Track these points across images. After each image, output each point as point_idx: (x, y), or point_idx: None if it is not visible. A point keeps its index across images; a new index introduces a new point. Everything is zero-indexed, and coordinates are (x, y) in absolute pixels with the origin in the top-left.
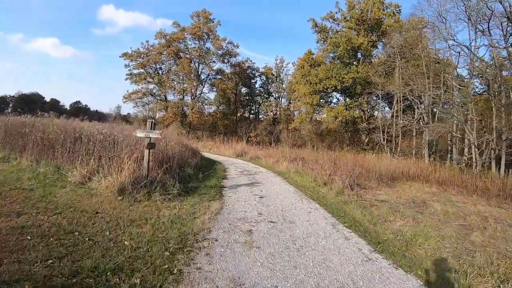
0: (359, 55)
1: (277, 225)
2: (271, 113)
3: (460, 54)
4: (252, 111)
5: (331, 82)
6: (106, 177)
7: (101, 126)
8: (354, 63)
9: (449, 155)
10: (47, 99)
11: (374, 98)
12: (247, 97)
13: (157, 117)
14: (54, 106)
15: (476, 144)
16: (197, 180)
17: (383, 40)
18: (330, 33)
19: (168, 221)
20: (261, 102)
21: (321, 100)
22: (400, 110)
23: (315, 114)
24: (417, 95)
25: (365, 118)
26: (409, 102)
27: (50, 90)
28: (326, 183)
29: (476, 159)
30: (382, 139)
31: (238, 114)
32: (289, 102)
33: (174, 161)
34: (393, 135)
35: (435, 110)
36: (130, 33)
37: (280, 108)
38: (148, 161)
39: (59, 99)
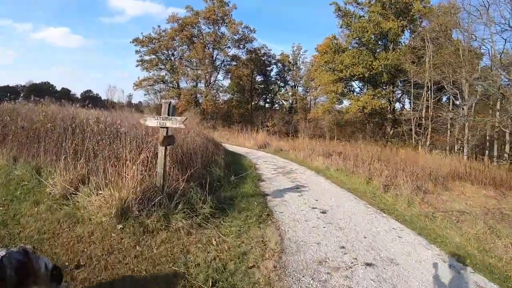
0: (386, 41)
1: (379, 270)
2: (288, 102)
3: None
4: (268, 100)
5: (358, 69)
6: (100, 190)
7: (104, 113)
8: (379, 50)
9: (487, 152)
10: (58, 88)
11: (402, 87)
12: (262, 85)
13: None
14: (65, 95)
15: None
16: (229, 184)
17: (411, 26)
18: (354, 18)
19: (204, 282)
20: (277, 90)
21: (344, 89)
22: (430, 100)
23: (336, 104)
24: (454, 85)
25: (391, 108)
26: (442, 92)
27: (61, 79)
28: (387, 187)
29: None
30: (413, 132)
31: (253, 103)
32: (306, 91)
33: (198, 160)
34: (423, 128)
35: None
36: (139, 23)
37: (297, 97)
38: (164, 165)
39: (70, 88)
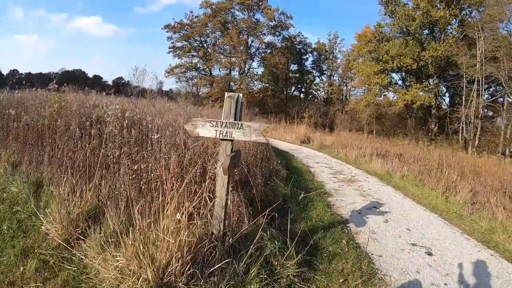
0: (435, 30)
1: None
2: (324, 93)
3: None
4: (303, 90)
5: (406, 60)
6: (120, 245)
7: (132, 103)
8: (427, 40)
9: None
10: (90, 75)
11: (450, 80)
12: (297, 74)
13: (200, 93)
14: (97, 82)
15: None
16: (298, 205)
17: (461, 15)
18: (398, 6)
19: None
20: (312, 80)
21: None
22: (481, 97)
23: (377, 97)
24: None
25: (436, 104)
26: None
27: (93, 67)
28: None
29: None
30: (464, 132)
31: (288, 92)
32: (342, 81)
33: (258, 176)
34: (473, 127)
35: None
36: (173, 10)
37: (333, 87)
38: (226, 202)
39: (102, 75)
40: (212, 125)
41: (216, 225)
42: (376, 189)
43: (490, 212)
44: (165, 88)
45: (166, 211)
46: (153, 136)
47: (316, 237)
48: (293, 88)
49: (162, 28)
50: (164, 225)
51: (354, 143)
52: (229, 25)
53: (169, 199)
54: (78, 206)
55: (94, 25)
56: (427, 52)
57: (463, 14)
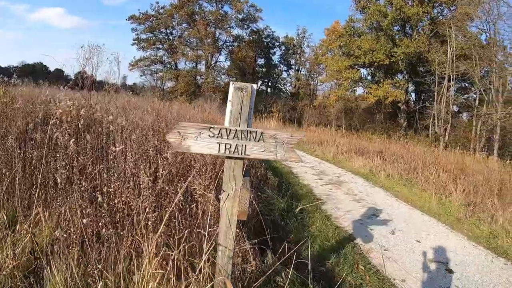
0: (406, 27)
1: None
2: (291, 87)
3: None
4: (270, 84)
5: (378, 56)
6: None
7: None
8: (398, 36)
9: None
10: (51, 69)
11: (421, 77)
12: (264, 69)
13: (166, 87)
14: (59, 76)
15: None
16: (296, 221)
17: (433, 12)
18: (369, 2)
19: None
20: (279, 74)
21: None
22: (451, 93)
23: (347, 92)
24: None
25: (405, 100)
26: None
27: (55, 60)
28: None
29: None
30: (435, 127)
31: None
32: (310, 76)
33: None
34: (442, 122)
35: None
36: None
37: (301, 82)
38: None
39: (64, 69)
40: (212, 134)
41: (219, 281)
42: (367, 192)
43: (488, 214)
44: (129, 82)
45: (142, 269)
46: (113, 148)
47: (329, 264)
48: (260, 82)
49: (126, 19)
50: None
51: (329, 139)
52: (197, 16)
53: (146, 245)
54: (10, 258)
55: (57, 17)
56: (399, 48)
57: (435, 12)
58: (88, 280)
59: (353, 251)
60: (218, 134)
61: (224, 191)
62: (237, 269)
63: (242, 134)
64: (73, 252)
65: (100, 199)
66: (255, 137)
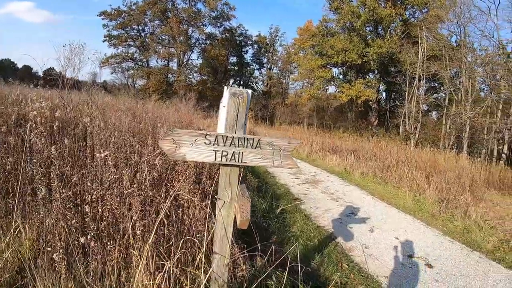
0: (378, 28)
1: None
2: (263, 86)
3: None
4: (242, 82)
5: (351, 55)
6: None
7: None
8: (370, 37)
9: (484, 151)
10: (19, 65)
11: (392, 77)
12: (236, 67)
13: (137, 85)
14: (27, 73)
15: None
16: (277, 221)
17: (405, 14)
18: (343, 3)
19: None
20: (252, 73)
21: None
22: (422, 93)
23: (320, 90)
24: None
25: (376, 99)
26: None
27: (24, 56)
28: (443, 205)
29: None
30: (407, 126)
31: (227, 85)
32: (282, 74)
33: None
34: (413, 121)
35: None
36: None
37: (273, 80)
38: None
39: (33, 65)
40: (208, 141)
41: None
42: (343, 190)
43: (461, 210)
44: (99, 79)
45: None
46: (98, 154)
47: (314, 263)
48: (232, 81)
49: (97, 15)
50: None
51: (303, 138)
52: (169, 14)
53: (137, 256)
54: None
55: (25, 11)
56: (372, 48)
57: (408, 14)
58: None
59: (336, 250)
60: (215, 141)
61: (219, 198)
62: (228, 275)
63: (239, 142)
64: (59, 267)
65: (87, 208)
66: (252, 144)
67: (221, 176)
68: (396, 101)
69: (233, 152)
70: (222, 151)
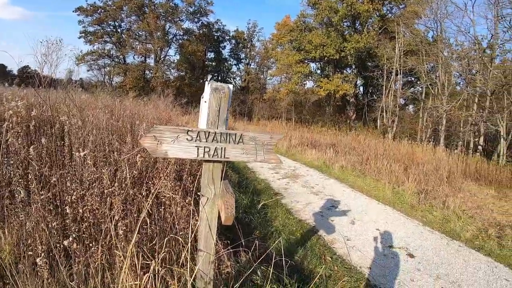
0: (356, 23)
1: None
2: (241, 81)
3: None
4: (220, 78)
5: (329, 50)
6: None
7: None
8: (347, 32)
9: (461, 143)
10: None
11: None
12: (214, 63)
13: (114, 82)
14: (1, 72)
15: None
16: (259, 217)
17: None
18: None
19: None
20: (229, 68)
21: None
22: (399, 87)
23: (298, 85)
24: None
25: (354, 93)
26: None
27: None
28: (421, 196)
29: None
30: (385, 120)
31: (204, 80)
32: (260, 70)
33: None
34: (390, 115)
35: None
36: None
37: (251, 76)
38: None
39: (7, 64)
40: (190, 137)
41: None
42: (323, 184)
43: (440, 201)
44: (76, 77)
45: (121, 282)
46: (77, 153)
47: (298, 257)
48: (209, 77)
49: (73, 11)
50: None
51: (282, 132)
52: (146, 9)
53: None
54: None
55: None
56: (349, 43)
57: (385, 10)
58: None
59: (318, 243)
60: (197, 137)
61: (203, 195)
62: (213, 272)
63: (222, 137)
64: (42, 271)
65: (67, 209)
66: (235, 140)
67: (204, 173)
68: (374, 95)
69: (216, 147)
70: (205, 147)
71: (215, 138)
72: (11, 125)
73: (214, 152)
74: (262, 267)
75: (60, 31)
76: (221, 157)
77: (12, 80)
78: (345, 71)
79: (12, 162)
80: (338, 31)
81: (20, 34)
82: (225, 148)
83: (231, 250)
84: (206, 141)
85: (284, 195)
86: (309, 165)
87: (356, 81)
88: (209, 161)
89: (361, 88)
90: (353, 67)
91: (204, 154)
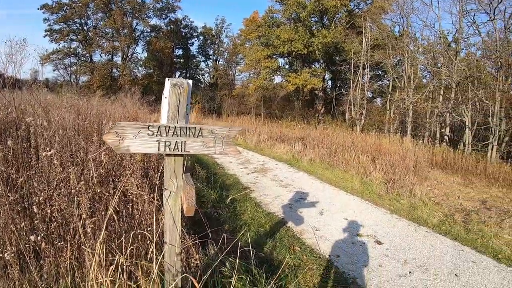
0: (324, 18)
1: None
2: (209, 78)
3: None
4: (188, 75)
5: (297, 45)
6: None
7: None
8: (315, 27)
9: (427, 133)
10: None
11: (337, 66)
12: (182, 59)
13: (80, 81)
14: None
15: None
16: (228, 211)
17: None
18: None
19: None
20: (198, 65)
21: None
22: (366, 81)
23: (266, 81)
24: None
25: (323, 87)
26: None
27: None
28: (389, 186)
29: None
30: (353, 112)
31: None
32: (228, 66)
33: None
34: (358, 108)
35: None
36: None
37: (220, 72)
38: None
39: None
40: (151, 132)
41: (170, 281)
42: (292, 177)
43: (407, 189)
44: (41, 77)
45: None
46: (43, 153)
47: (267, 248)
48: (177, 74)
49: (38, 9)
50: None
51: (250, 128)
52: (113, 6)
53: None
54: None
55: None
56: (317, 38)
57: (352, 5)
58: None
59: (287, 234)
60: (157, 132)
61: (165, 189)
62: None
63: (182, 131)
64: (13, 272)
65: (35, 209)
66: (194, 133)
67: (166, 166)
68: (342, 89)
69: (176, 141)
70: (165, 141)
71: (175, 132)
72: None
73: (174, 146)
74: (230, 259)
75: (21, 30)
76: (181, 150)
77: None
78: (313, 66)
79: None
80: (306, 27)
81: None
82: (185, 142)
83: (199, 243)
84: (167, 135)
85: (253, 189)
86: (278, 159)
87: (324, 75)
88: (170, 155)
89: (329, 82)
90: (321, 61)
91: (165, 148)
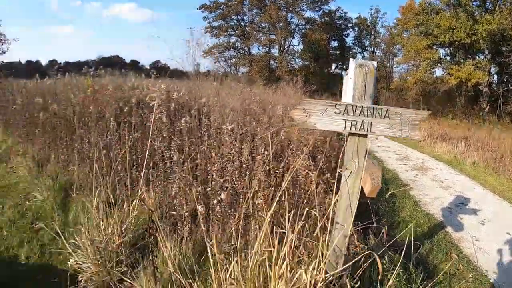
0: (486, 2)
1: None
2: None
3: None
4: (344, 67)
5: (459, 34)
6: None
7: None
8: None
9: None
10: (127, 60)
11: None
12: (338, 51)
13: (240, 73)
14: (134, 67)
15: None
16: (387, 206)
17: None
18: None
19: None
20: (354, 57)
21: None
22: None
23: (426, 73)
24: None
25: (488, 81)
26: None
27: (131, 52)
28: None
29: None
30: None
31: (329, 69)
32: (386, 57)
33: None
34: None
35: None
36: None
37: (377, 64)
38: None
39: (139, 60)
40: (338, 111)
41: (333, 262)
42: (453, 179)
43: None
44: (203, 69)
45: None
46: (224, 126)
47: (423, 249)
48: (334, 66)
49: (197, 9)
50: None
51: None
52: (267, 1)
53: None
54: (117, 234)
55: (129, 11)
56: (480, 25)
57: None
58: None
59: (445, 239)
60: (344, 110)
61: (346, 168)
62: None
63: (368, 111)
64: (183, 230)
65: (214, 176)
66: (381, 114)
67: (349, 146)
68: (509, 85)
69: (362, 121)
70: (352, 120)
71: (362, 112)
72: (157, 104)
73: (360, 126)
74: (389, 253)
75: (184, 28)
76: (367, 130)
77: (149, 72)
78: (477, 57)
79: (161, 137)
80: (467, 12)
81: (150, 33)
82: (371, 122)
83: (361, 231)
84: (354, 114)
85: (412, 187)
86: (439, 158)
87: (490, 68)
88: (355, 134)
89: (495, 77)
90: (486, 52)
91: (351, 127)
